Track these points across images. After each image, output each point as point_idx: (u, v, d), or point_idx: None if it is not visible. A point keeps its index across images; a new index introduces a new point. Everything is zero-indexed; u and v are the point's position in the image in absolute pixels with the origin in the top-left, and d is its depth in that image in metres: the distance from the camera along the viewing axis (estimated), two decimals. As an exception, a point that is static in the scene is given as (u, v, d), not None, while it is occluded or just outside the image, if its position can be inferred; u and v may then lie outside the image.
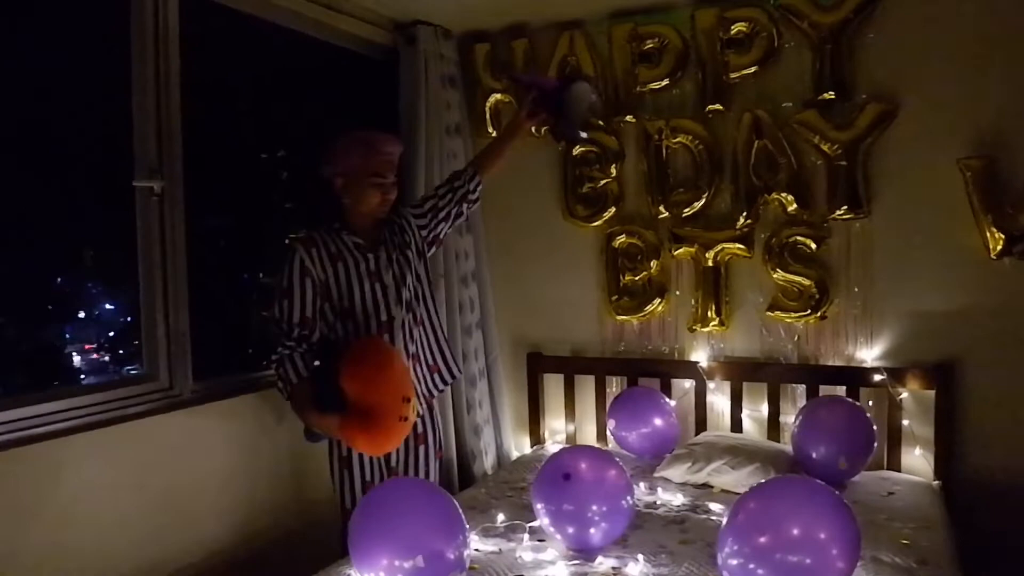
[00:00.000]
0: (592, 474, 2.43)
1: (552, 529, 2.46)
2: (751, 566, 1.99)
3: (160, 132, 2.64)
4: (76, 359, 2.88)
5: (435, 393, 2.86)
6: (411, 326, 2.74)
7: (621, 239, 3.68)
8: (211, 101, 3.15)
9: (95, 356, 2.92)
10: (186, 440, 2.67)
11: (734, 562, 2.03)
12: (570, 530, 2.41)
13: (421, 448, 2.80)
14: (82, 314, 2.97)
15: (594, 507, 2.38)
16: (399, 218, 2.83)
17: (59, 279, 2.90)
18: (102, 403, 2.48)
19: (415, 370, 2.76)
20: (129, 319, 2.94)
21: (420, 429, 2.79)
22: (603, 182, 3.70)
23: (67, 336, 2.89)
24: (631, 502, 2.48)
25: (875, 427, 3.06)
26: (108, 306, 3.06)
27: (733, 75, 3.41)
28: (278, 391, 2.60)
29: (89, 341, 2.92)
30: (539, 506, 2.48)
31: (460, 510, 2.22)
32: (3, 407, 2.23)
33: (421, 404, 2.77)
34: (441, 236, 2.99)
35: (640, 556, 2.34)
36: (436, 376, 2.86)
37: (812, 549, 1.96)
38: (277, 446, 3.02)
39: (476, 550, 2.43)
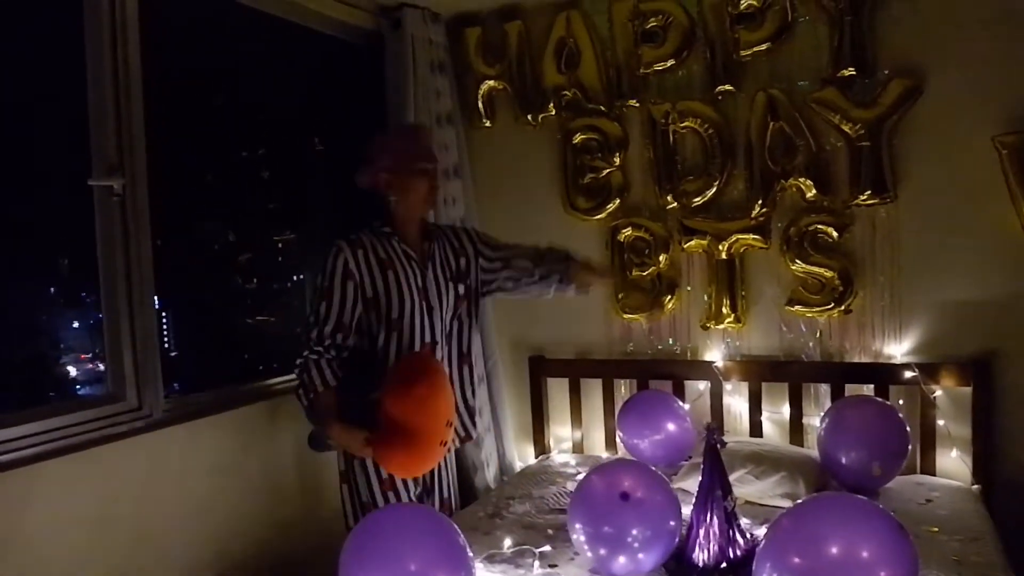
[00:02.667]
0: (649, 496, 2.21)
1: (585, 548, 2.24)
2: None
3: (120, 125, 2.39)
4: (71, 369, 2.77)
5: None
6: (449, 360, 2.66)
7: (627, 232, 3.46)
8: (179, 93, 2.93)
9: (90, 366, 2.78)
10: (157, 465, 2.43)
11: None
12: (602, 552, 2.19)
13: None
14: (76, 324, 2.85)
15: (635, 531, 2.16)
16: (455, 239, 2.75)
17: (52, 289, 2.79)
18: (62, 428, 2.23)
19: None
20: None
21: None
22: (606, 172, 3.48)
23: (61, 346, 2.78)
24: (677, 530, 2.26)
25: (908, 428, 2.84)
26: (101, 315, 2.86)
27: (744, 53, 3.18)
28: (296, 397, 2.47)
29: (84, 351, 2.79)
30: (577, 525, 2.25)
31: (463, 539, 2.00)
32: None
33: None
34: (496, 293, 2.85)
35: (664, 581, 2.11)
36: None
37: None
38: (261, 466, 2.80)
39: (481, 580, 2.20)
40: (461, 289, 2.69)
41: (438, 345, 2.61)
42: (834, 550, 1.73)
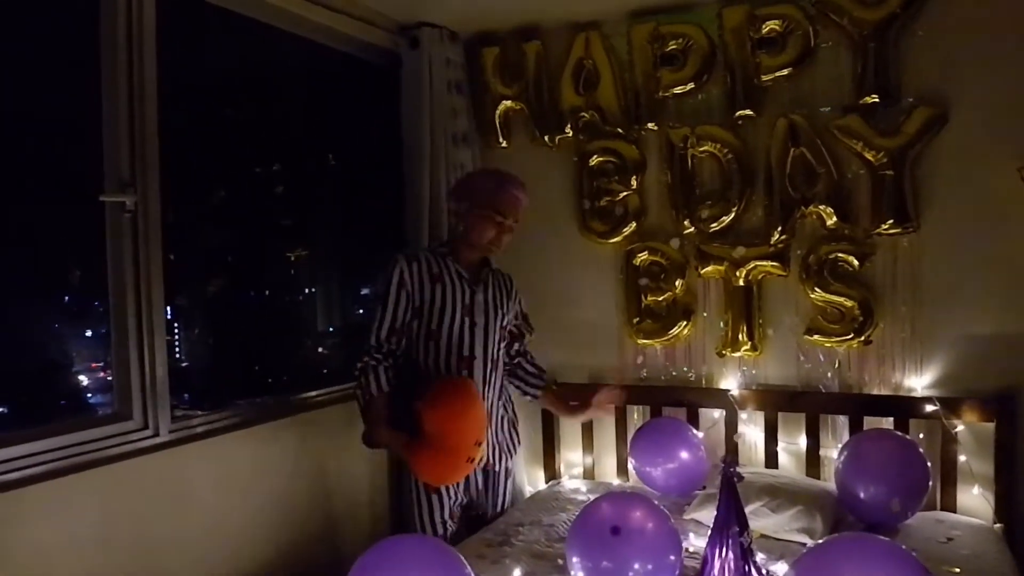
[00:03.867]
0: (641, 530, 2.17)
1: None
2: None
3: (133, 141, 2.36)
4: (83, 378, 2.72)
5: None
6: (489, 376, 2.84)
7: (643, 256, 3.40)
8: (194, 108, 2.91)
9: (101, 375, 2.71)
10: (162, 485, 2.38)
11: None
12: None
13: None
14: (88, 332, 2.80)
15: (637, 566, 2.10)
16: (508, 285, 2.97)
17: (66, 298, 2.77)
18: (66, 447, 2.18)
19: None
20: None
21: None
22: (622, 195, 3.43)
23: (73, 355, 2.75)
24: (678, 565, 2.20)
25: (928, 464, 2.77)
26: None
27: (765, 78, 3.14)
28: (356, 399, 2.65)
29: (96, 360, 2.74)
30: (574, 559, 2.20)
31: (469, 570, 1.95)
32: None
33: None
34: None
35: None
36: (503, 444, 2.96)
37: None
38: (269, 487, 2.76)
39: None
40: (504, 320, 2.90)
41: (477, 360, 2.78)
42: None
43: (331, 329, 3.99)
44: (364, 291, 4.06)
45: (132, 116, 2.37)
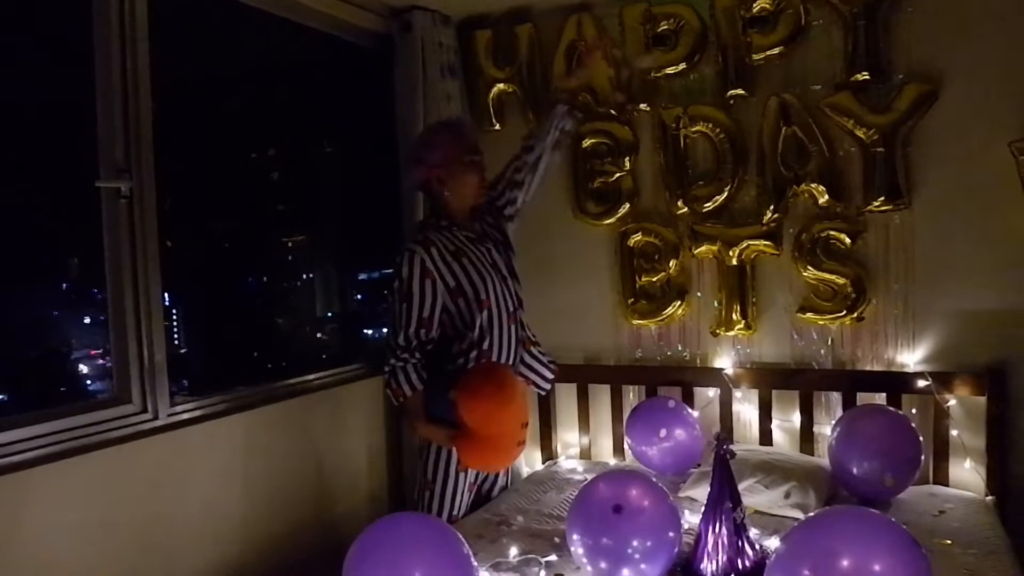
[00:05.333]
0: (641, 507, 2.18)
1: (585, 561, 2.20)
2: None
3: (128, 127, 2.38)
4: (82, 367, 2.77)
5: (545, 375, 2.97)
6: (522, 323, 2.84)
7: (637, 237, 3.43)
8: (189, 94, 2.92)
9: (101, 362, 2.75)
10: (163, 469, 2.42)
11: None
12: (603, 565, 2.15)
13: None
14: (87, 319, 2.85)
15: (636, 543, 2.12)
16: (486, 208, 2.88)
17: (64, 285, 2.80)
18: (66, 430, 2.22)
19: (527, 354, 2.87)
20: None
21: None
22: (616, 176, 3.45)
23: (73, 342, 2.79)
24: (677, 540, 2.22)
25: (920, 438, 2.80)
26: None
27: (756, 57, 3.15)
28: (390, 397, 2.65)
29: (95, 347, 2.78)
30: (575, 537, 2.22)
31: (467, 549, 1.97)
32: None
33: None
34: (519, 201, 2.94)
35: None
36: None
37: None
38: (267, 470, 2.79)
39: (487, 590, 2.18)
40: (510, 254, 2.84)
41: (517, 311, 2.78)
42: (846, 564, 1.70)
43: (329, 315, 4.02)
44: (361, 276, 4.09)
45: (126, 102, 2.39)
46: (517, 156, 2.91)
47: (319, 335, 4.01)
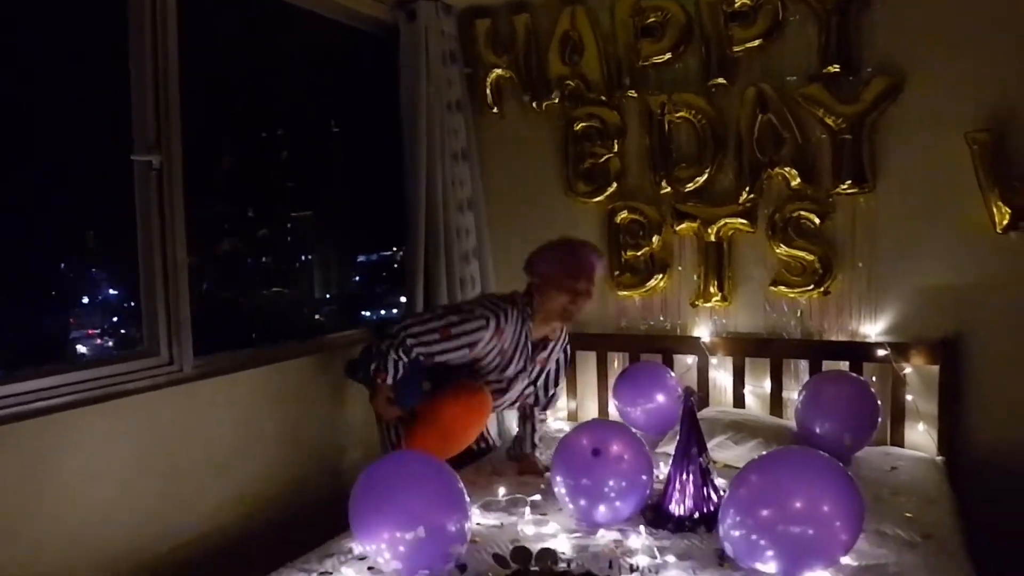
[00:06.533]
0: (619, 452, 2.42)
1: (567, 500, 2.45)
2: (753, 537, 1.99)
3: (158, 106, 2.61)
4: (80, 347, 2.86)
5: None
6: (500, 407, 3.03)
7: (623, 215, 3.66)
8: (208, 77, 3.13)
9: (99, 341, 2.90)
10: (187, 416, 2.65)
11: (736, 533, 2.03)
12: (582, 503, 2.40)
13: None
14: (85, 299, 2.96)
15: (612, 483, 2.37)
16: (561, 349, 3.07)
17: (63, 264, 2.88)
18: (103, 378, 2.46)
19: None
20: (132, 304, 2.92)
21: None
22: (605, 158, 3.68)
23: (71, 322, 2.87)
24: (649, 483, 2.48)
25: (879, 403, 3.03)
26: (112, 291, 3.04)
27: (737, 49, 3.37)
28: (352, 371, 2.92)
29: (93, 327, 2.91)
30: (558, 478, 2.47)
31: (461, 483, 2.21)
32: (3, 381, 2.22)
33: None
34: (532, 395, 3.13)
35: (641, 528, 2.33)
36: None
37: (815, 520, 1.95)
38: (281, 421, 3.02)
39: (477, 524, 2.42)
40: (528, 389, 3.03)
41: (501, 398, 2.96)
42: (788, 493, 1.98)
43: (327, 295, 4.20)
44: (360, 258, 4.29)
45: (157, 85, 2.61)
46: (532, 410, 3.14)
47: (327, 296, 4.19)
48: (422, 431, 2.69)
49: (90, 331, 2.91)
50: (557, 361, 3.09)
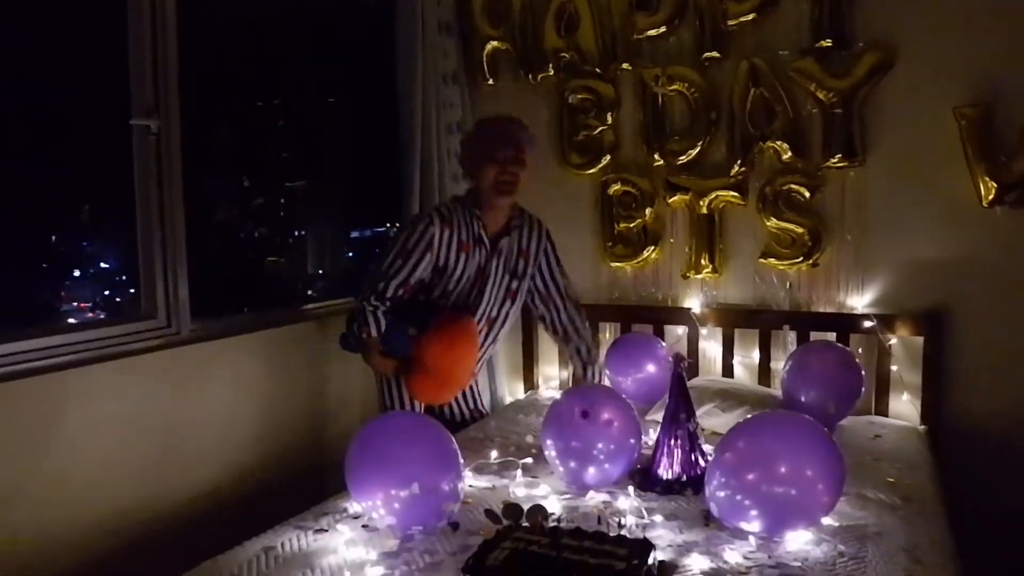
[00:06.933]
0: (607, 414, 2.46)
1: (557, 463, 2.49)
2: (737, 498, 2.04)
3: (156, 70, 2.64)
4: (71, 320, 2.89)
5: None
6: (481, 331, 2.94)
7: (616, 187, 3.69)
8: (205, 45, 3.14)
9: (90, 315, 2.94)
10: (186, 378, 2.70)
11: (721, 494, 2.09)
12: (572, 465, 2.44)
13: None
14: (77, 272, 3.00)
15: (601, 445, 2.41)
16: (528, 240, 3.06)
17: (54, 237, 2.92)
18: (102, 339, 2.51)
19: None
20: (124, 278, 2.97)
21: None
22: (599, 130, 3.70)
23: (62, 295, 2.92)
24: (638, 447, 2.52)
25: (864, 372, 3.08)
26: (103, 264, 3.08)
27: (731, 23, 3.39)
28: (348, 327, 2.85)
29: (84, 300, 2.95)
30: (548, 441, 2.50)
31: (455, 443, 2.26)
32: (5, 339, 2.26)
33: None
34: (537, 307, 3.19)
35: (630, 489, 2.38)
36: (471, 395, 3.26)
37: (797, 481, 2.01)
38: (276, 385, 3.07)
39: (470, 486, 2.46)
40: (514, 284, 3.02)
41: (495, 324, 3.02)
42: (759, 445, 2.05)
43: (320, 271, 4.24)
44: (354, 234, 4.32)
45: (155, 49, 2.64)
46: (574, 337, 3.18)
47: (320, 271, 4.24)
48: (416, 376, 2.76)
49: (82, 304, 2.96)
50: (548, 258, 3.13)
